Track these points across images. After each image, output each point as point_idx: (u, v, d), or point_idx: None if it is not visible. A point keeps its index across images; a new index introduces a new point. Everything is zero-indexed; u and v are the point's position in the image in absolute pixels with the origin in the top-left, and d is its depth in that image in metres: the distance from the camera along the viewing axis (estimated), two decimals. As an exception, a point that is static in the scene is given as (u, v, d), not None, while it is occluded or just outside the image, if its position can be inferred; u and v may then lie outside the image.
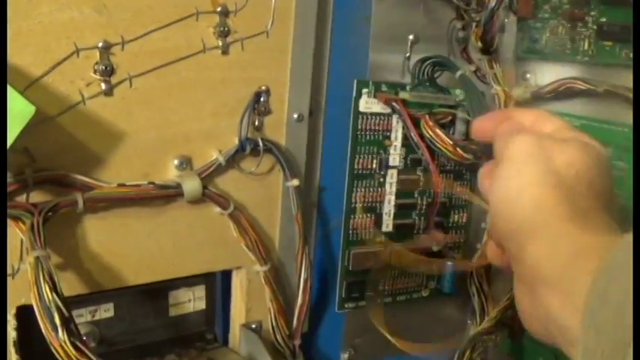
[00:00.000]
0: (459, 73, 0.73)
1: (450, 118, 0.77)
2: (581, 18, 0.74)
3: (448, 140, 0.71)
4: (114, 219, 0.60)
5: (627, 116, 0.70)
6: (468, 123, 0.75)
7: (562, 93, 0.76)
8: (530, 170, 0.45)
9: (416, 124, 0.74)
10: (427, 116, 0.73)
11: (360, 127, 0.74)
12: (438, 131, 0.72)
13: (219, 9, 0.62)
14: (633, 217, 0.57)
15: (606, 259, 0.37)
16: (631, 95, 0.68)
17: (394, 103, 0.73)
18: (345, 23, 0.73)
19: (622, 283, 0.34)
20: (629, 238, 0.37)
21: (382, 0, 0.76)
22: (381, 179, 0.77)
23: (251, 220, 0.68)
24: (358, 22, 0.75)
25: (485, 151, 0.70)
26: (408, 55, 0.78)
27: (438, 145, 0.72)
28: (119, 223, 0.61)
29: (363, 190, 0.76)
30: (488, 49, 0.79)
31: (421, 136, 0.74)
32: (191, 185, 0.62)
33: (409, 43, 0.78)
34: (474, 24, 0.79)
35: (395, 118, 0.76)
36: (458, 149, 0.71)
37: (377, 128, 0.75)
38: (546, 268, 0.41)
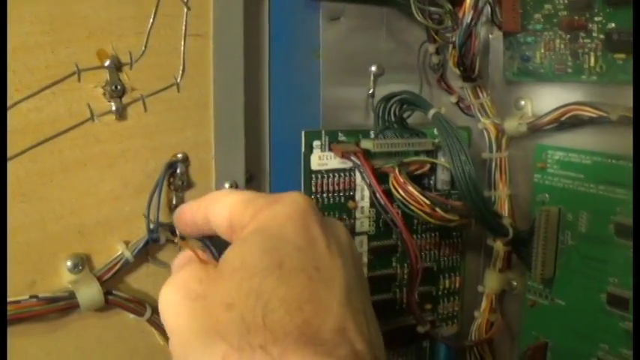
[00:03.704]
0: (431, 112, 0.59)
1: (428, 166, 0.64)
2: (583, 26, 0.59)
3: (424, 199, 0.57)
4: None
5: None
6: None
7: (566, 123, 0.62)
8: None
9: (384, 180, 0.60)
10: (396, 170, 0.59)
11: (314, 189, 0.61)
12: (411, 189, 0.58)
13: (107, 62, 0.50)
14: (633, 217, 0.56)
15: None
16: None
17: (353, 157, 0.59)
18: (287, 60, 0.60)
19: None
20: None
21: (333, 26, 0.62)
22: (348, 249, 0.63)
23: (178, 324, 0.54)
24: (304, 57, 0.62)
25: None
26: (371, 91, 0.65)
27: (412, 208, 0.58)
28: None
29: (325, 265, 0.62)
30: (470, 75, 0.65)
31: (390, 197, 0.60)
32: (87, 293, 0.49)
33: (372, 77, 0.65)
34: (450, 46, 0.64)
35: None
36: (437, 210, 0.57)
37: (336, 188, 0.62)
38: None
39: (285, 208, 0.38)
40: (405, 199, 0.58)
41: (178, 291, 0.35)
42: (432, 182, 0.66)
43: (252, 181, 0.59)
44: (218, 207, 0.42)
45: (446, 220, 0.58)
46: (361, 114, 0.65)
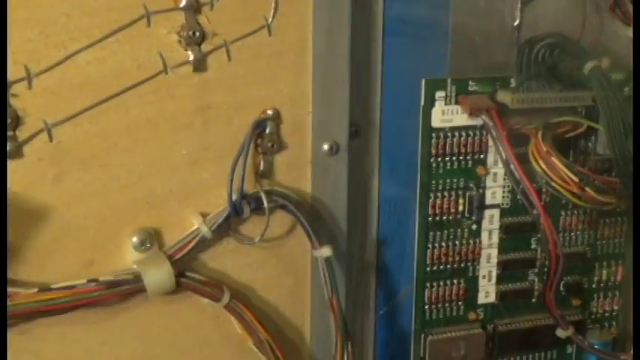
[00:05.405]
0: (587, 66, 0.47)
1: (580, 130, 0.52)
2: None
3: (571, 176, 0.47)
4: (45, 329, 0.44)
5: None
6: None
7: None
8: None
9: (524, 142, 0.50)
10: (539, 134, 0.49)
11: (434, 150, 0.52)
12: (555, 161, 0.47)
13: (183, 3, 0.43)
14: (633, 217, 0.49)
15: None
16: None
17: (484, 116, 0.49)
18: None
19: None
20: None
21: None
22: (474, 226, 0.55)
23: (261, 311, 0.50)
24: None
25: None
26: (516, 22, 0.53)
27: (555, 185, 0.47)
28: (55, 336, 0.45)
29: (444, 243, 0.54)
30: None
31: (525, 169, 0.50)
32: (155, 277, 0.44)
33: (519, 3, 0.53)
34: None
35: (493, 132, 0.53)
36: (587, 190, 0.46)
37: (463, 150, 0.53)
38: None
39: None
40: (547, 173, 0.48)
41: None
42: (590, 145, 0.55)
43: (356, 136, 0.51)
44: None
45: (598, 202, 0.47)
46: (502, 54, 0.54)
